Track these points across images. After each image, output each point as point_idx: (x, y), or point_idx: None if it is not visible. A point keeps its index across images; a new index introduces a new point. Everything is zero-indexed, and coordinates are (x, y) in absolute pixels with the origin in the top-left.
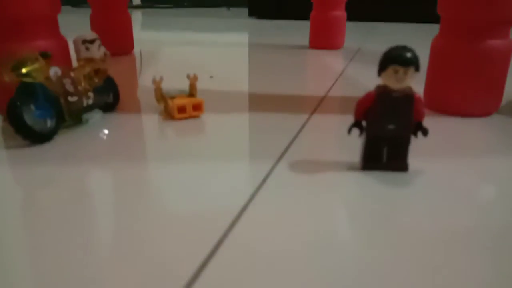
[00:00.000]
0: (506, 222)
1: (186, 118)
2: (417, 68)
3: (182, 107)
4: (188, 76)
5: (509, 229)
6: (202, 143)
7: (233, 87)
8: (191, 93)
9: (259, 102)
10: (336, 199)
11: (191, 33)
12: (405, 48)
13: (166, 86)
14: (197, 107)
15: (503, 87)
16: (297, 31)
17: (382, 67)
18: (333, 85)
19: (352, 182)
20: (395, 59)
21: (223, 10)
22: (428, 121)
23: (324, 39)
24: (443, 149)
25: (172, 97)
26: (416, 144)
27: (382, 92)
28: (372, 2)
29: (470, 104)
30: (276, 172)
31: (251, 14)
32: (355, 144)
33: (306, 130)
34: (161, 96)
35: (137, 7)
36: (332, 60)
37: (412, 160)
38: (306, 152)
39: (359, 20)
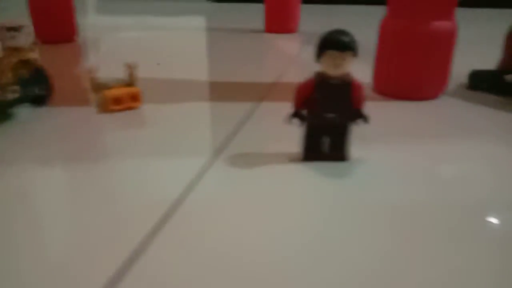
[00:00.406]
0: (437, 204)
1: (123, 109)
2: (355, 53)
3: (117, 98)
4: (126, 65)
5: (442, 212)
6: (138, 136)
7: (182, 74)
8: (130, 82)
9: (207, 90)
10: (274, 193)
11: (148, 17)
12: (342, 32)
13: (110, 74)
14: (134, 98)
15: (449, 69)
16: (256, 15)
17: (319, 53)
18: (285, 70)
19: (292, 174)
20: (332, 44)
21: None
22: (375, 106)
23: (279, 23)
24: (386, 135)
25: (109, 88)
26: (361, 131)
27: (320, 80)
28: None
29: (418, 87)
30: (216, 165)
31: None
32: (299, 133)
33: (253, 119)
34: (97, 87)
35: None
36: (287, 44)
37: (355, 148)
38: (250, 142)
39: (317, 2)
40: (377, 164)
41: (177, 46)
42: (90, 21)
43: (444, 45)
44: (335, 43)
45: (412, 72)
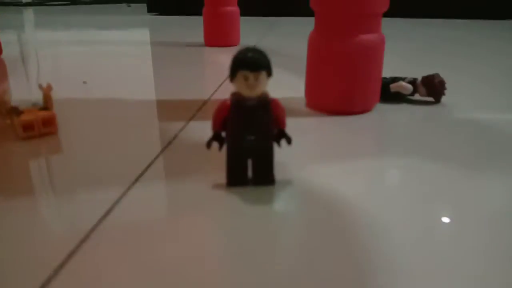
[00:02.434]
0: (357, 229)
1: (36, 136)
2: (269, 73)
3: (28, 124)
4: (40, 86)
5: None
6: (50, 166)
7: (111, 93)
8: (46, 106)
9: (134, 110)
10: (196, 222)
11: (86, 32)
12: (254, 51)
13: (32, 95)
14: (49, 123)
15: (379, 82)
16: (198, 28)
17: (232, 73)
18: (219, 86)
19: (214, 202)
20: (243, 64)
21: (123, 7)
22: (306, 122)
23: (218, 36)
24: (316, 154)
25: (21, 112)
26: (289, 150)
27: (236, 101)
28: None
29: (348, 102)
30: (133, 193)
31: (150, 10)
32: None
33: (178, 142)
34: (8, 111)
35: (27, 4)
36: (225, 59)
37: (282, 169)
38: (171, 168)
39: (261, 15)
40: (303, 186)
41: (113, 62)
42: (26, 36)
43: (372, 58)
44: (246, 63)
45: (342, 87)
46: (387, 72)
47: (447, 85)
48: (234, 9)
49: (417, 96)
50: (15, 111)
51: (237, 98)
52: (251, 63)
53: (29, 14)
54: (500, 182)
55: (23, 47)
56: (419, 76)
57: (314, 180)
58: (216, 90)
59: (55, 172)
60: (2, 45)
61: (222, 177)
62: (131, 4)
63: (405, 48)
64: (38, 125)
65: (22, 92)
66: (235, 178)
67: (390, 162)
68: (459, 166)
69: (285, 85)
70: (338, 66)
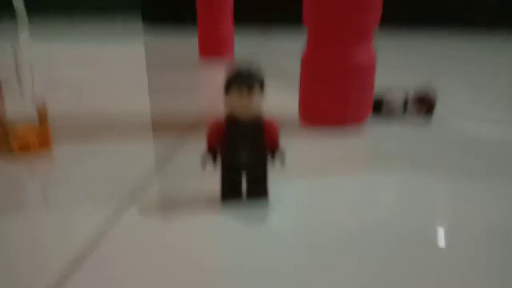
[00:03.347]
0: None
1: (30, 152)
2: (262, 88)
3: (22, 140)
4: (36, 104)
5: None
6: (45, 183)
7: (104, 105)
8: (40, 121)
9: (128, 123)
10: (190, 239)
11: (81, 44)
12: (248, 67)
13: (27, 111)
14: (43, 139)
15: (371, 93)
16: (193, 36)
17: (226, 88)
18: (215, 100)
19: (207, 218)
20: (238, 79)
21: (117, 18)
22: (299, 136)
23: (212, 48)
24: (309, 169)
25: (15, 129)
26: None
27: (230, 120)
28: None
29: (341, 114)
30: (126, 209)
31: (145, 17)
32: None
33: (172, 159)
34: (2, 127)
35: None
36: (219, 71)
37: (276, 184)
38: (166, 183)
39: (254, 20)
40: (297, 202)
41: (108, 74)
42: (21, 48)
43: (364, 71)
44: (240, 79)
45: (335, 101)
46: (380, 83)
47: (438, 99)
48: (228, 32)
49: (409, 110)
50: (11, 128)
51: (231, 118)
52: (245, 78)
53: (24, 24)
54: (493, 194)
55: (18, 60)
56: (411, 88)
57: (308, 195)
58: (212, 104)
59: (47, 188)
60: None
61: (216, 192)
62: (125, 14)
63: (399, 60)
64: (33, 141)
65: (16, 106)
66: (229, 192)
67: (382, 176)
68: (448, 177)
69: (279, 98)
70: (331, 82)
